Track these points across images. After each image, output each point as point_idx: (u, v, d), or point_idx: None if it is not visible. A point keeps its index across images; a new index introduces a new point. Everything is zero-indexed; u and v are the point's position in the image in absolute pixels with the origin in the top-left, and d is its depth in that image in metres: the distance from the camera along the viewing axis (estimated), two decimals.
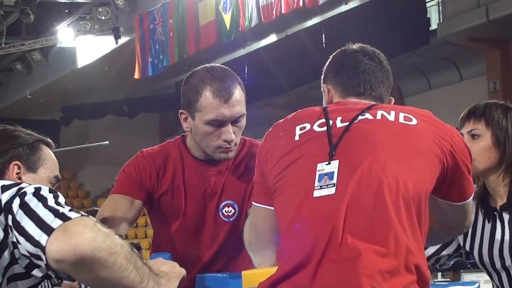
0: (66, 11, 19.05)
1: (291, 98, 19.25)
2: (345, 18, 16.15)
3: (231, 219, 2.56)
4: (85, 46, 19.92)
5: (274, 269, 1.83)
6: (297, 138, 1.90)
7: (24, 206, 1.72)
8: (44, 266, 1.69)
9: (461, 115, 2.65)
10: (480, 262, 2.58)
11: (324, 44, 16.40)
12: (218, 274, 2.18)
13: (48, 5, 18.77)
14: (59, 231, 1.65)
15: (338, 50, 2.17)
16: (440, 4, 16.94)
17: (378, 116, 1.89)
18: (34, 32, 19.82)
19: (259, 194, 2.00)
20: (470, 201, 2.06)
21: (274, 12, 14.81)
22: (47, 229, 1.66)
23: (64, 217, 1.68)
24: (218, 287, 2.07)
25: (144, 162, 2.58)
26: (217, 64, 2.56)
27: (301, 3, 14.21)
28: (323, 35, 16.60)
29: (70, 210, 1.71)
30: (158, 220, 2.64)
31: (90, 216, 1.72)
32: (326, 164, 1.81)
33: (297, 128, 1.92)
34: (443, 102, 17.25)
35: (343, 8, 16.54)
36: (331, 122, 1.90)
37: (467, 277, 7.62)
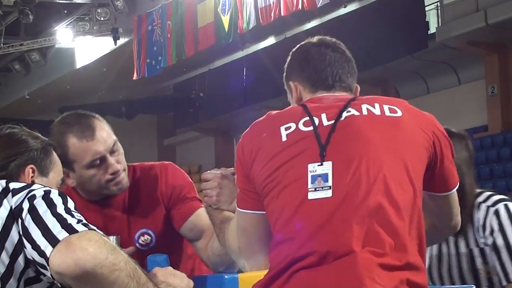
0: (65, 11, 19.04)
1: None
2: (344, 21, 16.16)
3: (150, 246, 2.53)
4: (83, 46, 19.91)
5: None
6: (284, 138, 1.86)
7: (33, 211, 1.72)
8: (49, 275, 1.69)
9: None
10: (430, 278, 2.66)
11: None
12: (214, 275, 2.17)
13: (47, 6, 18.76)
14: (63, 244, 1.64)
15: (297, 46, 2.14)
16: (439, 8, 16.95)
17: (364, 111, 1.87)
18: (32, 32, 19.81)
19: (246, 200, 1.94)
20: (454, 194, 2.02)
21: (272, 14, 14.81)
22: (53, 240, 1.65)
23: (70, 229, 1.67)
24: None
25: None
26: (66, 113, 2.54)
27: (300, 6, 14.21)
28: None
29: (78, 222, 1.70)
30: None
31: (97, 230, 1.70)
32: (318, 165, 1.79)
33: (282, 128, 1.88)
34: (441, 106, 17.25)
35: (342, 11, 16.56)
36: (316, 120, 1.87)
37: None
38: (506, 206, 2.65)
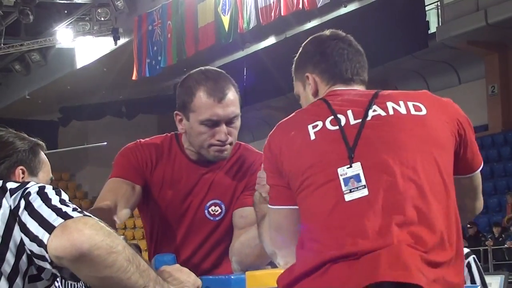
0: (65, 11, 19.06)
1: (290, 100, 19.23)
2: (344, 21, 16.14)
3: (217, 218, 2.57)
4: (84, 47, 19.93)
5: (279, 271, 1.82)
6: (313, 137, 1.88)
7: (28, 207, 1.73)
8: (49, 267, 1.70)
9: None
10: None
11: None
12: (221, 276, 2.18)
13: (47, 6, 18.78)
14: (59, 229, 1.65)
15: (310, 38, 2.15)
16: (439, 7, 16.95)
17: (390, 111, 1.88)
18: (33, 33, 19.82)
19: (278, 196, 1.94)
20: (478, 176, 2.03)
21: (272, 14, 14.83)
22: (49, 228, 1.67)
23: (66, 216, 1.68)
24: None
25: (141, 149, 2.60)
26: (212, 67, 2.58)
27: (300, 6, 14.23)
28: None
29: (73, 210, 1.71)
30: (145, 212, 2.65)
31: (93, 216, 1.72)
32: (348, 168, 1.80)
33: (309, 126, 1.90)
34: None
35: (342, 10, 16.57)
36: (343, 118, 1.89)
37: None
38: (474, 260, 3.10)
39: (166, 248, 2.54)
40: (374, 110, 1.89)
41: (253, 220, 2.40)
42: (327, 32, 2.13)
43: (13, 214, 1.75)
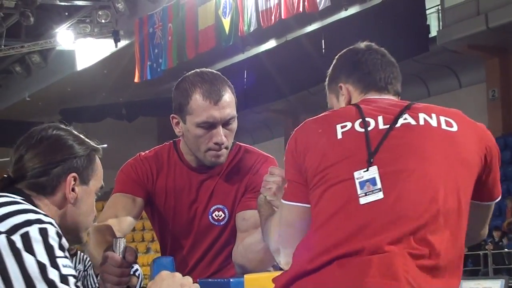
0: (66, 13, 19.06)
1: (291, 103, 19.24)
2: (344, 24, 16.17)
3: (221, 223, 2.59)
4: (84, 49, 19.93)
5: (276, 274, 1.82)
6: (339, 136, 1.88)
7: (19, 254, 1.60)
8: None
9: None
10: None
11: (323, 50, 16.41)
12: (220, 279, 2.18)
13: (48, 8, 18.78)
14: None
15: (345, 50, 2.18)
16: (440, 11, 16.96)
17: (421, 121, 1.89)
18: (33, 35, 19.82)
19: (295, 193, 1.94)
20: (493, 206, 2.05)
21: (273, 17, 14.84)
22: None
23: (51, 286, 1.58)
24: None
25: (141, 164, 2.62)
26: (207, 69, 2.59)
27: (301, 9, 14.23)
28: (323, 41, 16.63)
29: (61, 281, 1.60)
30: (154, 223, 2.69)
31: (72, 285, 1.62)
32: (364, 171, 1.81)
33: (338, 126, 1.90)
34: None
35: (343, 14, 16.58)
36: (372, 122, 1.89)
37: (465, 284, 7.59)
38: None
39: (178, 255, 2.56)
40: (405, 119, 1.90)
41: (255, 222, 2.41)
42: (362, 44, 2.17)
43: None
